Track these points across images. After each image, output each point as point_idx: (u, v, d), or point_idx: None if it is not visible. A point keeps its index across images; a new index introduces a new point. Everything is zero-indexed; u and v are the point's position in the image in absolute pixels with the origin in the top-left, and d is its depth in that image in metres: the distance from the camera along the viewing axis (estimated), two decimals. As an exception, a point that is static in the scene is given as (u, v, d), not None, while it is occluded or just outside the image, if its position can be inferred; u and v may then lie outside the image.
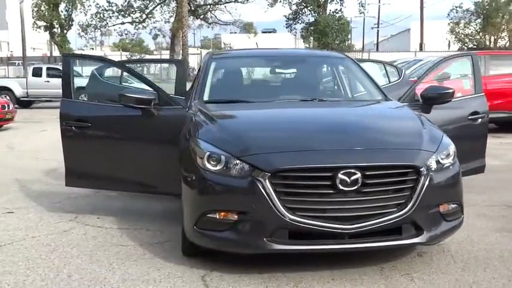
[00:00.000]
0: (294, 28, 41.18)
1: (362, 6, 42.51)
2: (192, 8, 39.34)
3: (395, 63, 9.08)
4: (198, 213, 3.72)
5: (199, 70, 6.01)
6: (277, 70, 5.63)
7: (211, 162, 3.72)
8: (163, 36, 42.09)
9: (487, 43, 34.80)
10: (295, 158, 3.59)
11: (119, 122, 5.08)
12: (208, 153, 3.72)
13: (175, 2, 37.42)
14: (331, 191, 3.52)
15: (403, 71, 6.93)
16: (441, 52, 28.01)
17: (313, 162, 3.55)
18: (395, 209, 3.59)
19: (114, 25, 41.64)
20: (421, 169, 3.63)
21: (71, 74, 5.25)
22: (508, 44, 34.21)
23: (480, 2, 34.89)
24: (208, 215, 3.68)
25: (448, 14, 36.58)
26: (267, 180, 3.50)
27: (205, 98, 4.86)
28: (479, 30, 35.54)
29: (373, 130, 4.10)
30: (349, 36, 44.14)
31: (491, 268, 3.96)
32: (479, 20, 35.28)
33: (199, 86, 5.02)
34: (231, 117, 4.36)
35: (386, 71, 6.73)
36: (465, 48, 35.14)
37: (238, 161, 3.62)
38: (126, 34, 42.95)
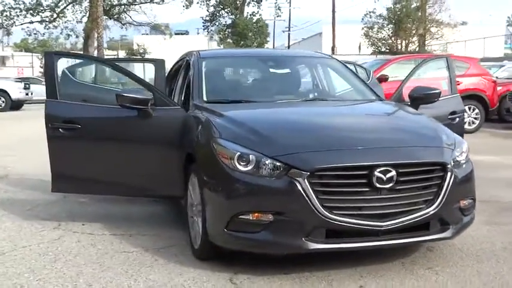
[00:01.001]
0: (211, 30, 41.13)
1: (279, 9, 43.16)
2: (106, 8, 38.33)
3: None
4: (229, 215, 3.64)
5: (175, 70, 5.88)
6: (271, 70, 5.61)
7: (241, 163, 3.64)
8: (77, 37, 40.64)
9: (399, 47, 36.36)
10: (332, 157, 3.60)
11: (113, 123, 4.88)
12: (238, 153, 3.65)
13: (88, 1, 36.28)
14: (366, 189, 3.56)
15: (371, 72, 7.11)
16: (352, 56, 29.04)
17: (351, 161, 3.57)
18: (424, 206, 3.68)
19: (22, 24, 39.88)
20: (448, 166, 3.75)
21: (55, 73, 4.99)
22: (417, 48, 35.91)
23: (392, 8, 36.41)
24: (241, 217, 3.61)
25: (362, 19, 37.92)
26: (305, 180, 3.48)
27: (205, 98, 4.76)
28: (391, 34, 37.07)
29: (396, 129, 4.18)
30: (268, 39, 44.71)
31: (503, 260, 4.13)
32: (391, 25, 36.80)
33: (194, 86, 4.91)
34: (247, 117, 4.28)
35: (356, 71, 6.89)
36: (377, 51, 36.55)
37: (270, 161, 3.57)
38: (35, 34, 41.20)
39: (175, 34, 65.49)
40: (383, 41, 37.11)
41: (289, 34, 59.25)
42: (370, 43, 37.30)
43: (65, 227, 5.12)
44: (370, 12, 37.56)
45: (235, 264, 4.00)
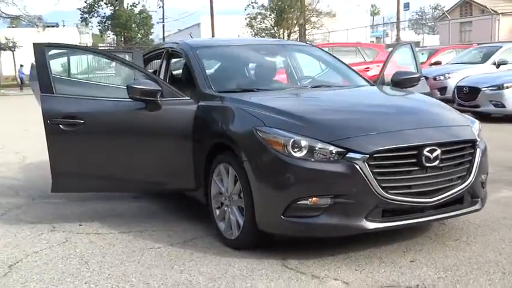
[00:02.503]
0: (90, 22, 39.67)
1: (161, 1, 42.52)
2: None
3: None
4: (287, 202, 3.68)
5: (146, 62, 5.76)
6: (267, 58, 5.64)
7: (295, 149, 3.69)
8: None
9: (281, 37, 37.34)
10: (386, 139, 3.75)
11: (119, 116, 4.69)
12: (292, 139, 3.69)
13: None
14: (416, 168, 3.75)
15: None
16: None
17: (403, 142, 3.74)
18: (459, 181, 3.95)
19: None
20: (477, 142, 4.05)
21: (48, 66, 4.70)
22: (299, 38, 37.09)
23: (274, -2, 37.32)
24: (299, 202, 3.66)
25: (245, 9, 38.46)
26: (365, 162, 3.61)
27: (214, 88, 4.71)
28: (273, 24, 37.96)
29: (426, 110, 4.41)
30: (152, 30, 43.93)
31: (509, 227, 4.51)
32: (273, 15, 37.67)
33: (198, 76, 4.84)
34: (281, 104, 4.30)
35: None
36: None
37: (326, 146, 3.65)
38: None
39: (46, 27, 62.36)
40: (266, 31, 37.88)
41: (163, 25, 58.60)
42: (253, 33, 37.92)
43: (62, 228, 4.84)
44: (252, 2, 38.17)
45: (278, 251, 4.03)
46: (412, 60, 6.42)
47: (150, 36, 40.66)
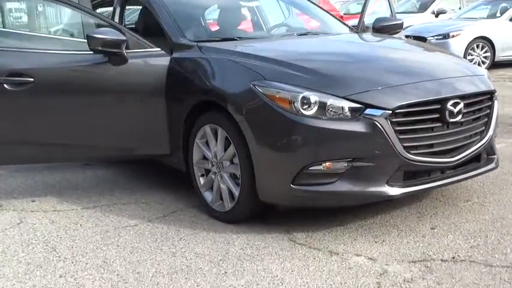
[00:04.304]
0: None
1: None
2: None
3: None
4: (297, 168, 3.15)
5: (115, 8, 4.98)
6: (242, 3, 4.96)
7: (304, 106, 3.14)
8: None
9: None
10: (407, 92, 3.26)
11: (77, 73, 3.96)
12: (302, 95, 3.13)
13: None
14: (438, 124, 3.31)
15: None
16: None
17: (426, 96, 3.28)
18: (478, 137, 3.55)
19: None
20: (495, 94, 3.65)
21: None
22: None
23: None
24: (311, 168, 3.14)
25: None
26: (387, 119, 3.12)
27: (191, 37, 4.04)
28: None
29: (438, 60, 3.95)
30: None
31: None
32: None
33: (167, 24, 4.14)
34: (279, 54, 3.70)
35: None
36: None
37: (340, 101, 3.13)
38: None
39: None
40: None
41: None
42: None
43: (12, 206, 4.12)
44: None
45: (279, 223, 3.54)
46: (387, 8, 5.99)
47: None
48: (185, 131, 3.81)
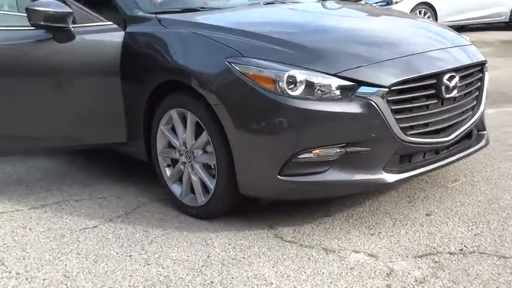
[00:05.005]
0: None
1: None
2: None
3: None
4: (284, 157, 2.77)
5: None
6: None
7: (290, 86, 2.75)
8: None
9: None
10: (401, 67, 2.92)
11: (16, 51, 3.41)
12: (288, 73, 2.74)
13: None
14: (434, 101, 3.00)
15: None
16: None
17: (422, 70, 2.95)
18: (471, 113, 3.28)
19: None
20: (485, 65, 3.37)
21: None
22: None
23: None
24: (300, 156, 2.77)
25: None
26: (383, 98, 2.77)
27: (144, 8, 3.55)
28: None
29: (425, 29, 3.62)
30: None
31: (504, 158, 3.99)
32: None
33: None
34: (255, 26, 3.25)
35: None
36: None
37: (329, 79, 2.76)
38: None
39: None
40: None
41: None
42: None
43: None
44: None
45: (256, 217, 3.17)
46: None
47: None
48: (146, 116, 3.34)
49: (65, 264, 2.76)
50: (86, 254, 2.85)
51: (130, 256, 2.81)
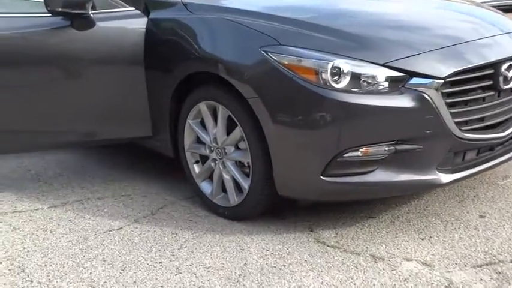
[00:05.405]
0: None
1: None
2: None
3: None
4: (328, 156, 2.52)
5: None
6: None
7: (334, 77, 2.48)
8: None
9: None
10: (458, 57, 2.65)
11: (33, 40, 3.17)
12: (331, 63, 2.47)
13: None
14: (490, 93, 2.73)
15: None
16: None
17: (479, 59, 2.68)
18: None
19: None
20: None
21: None
22: None
23: None
24: (346, 155, 2.52)
25: None
26: (438, 91, 2.50)
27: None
28: None
29: (474, 16, 3.32)
30: None
31: None
32: None
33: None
34: (293, 12, 2.98)
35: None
36: None
37: (378, 69, 2.49)
38: None
39: None
40: None
41: None
42: None
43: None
44: None
45: (294, 219, 2.92)
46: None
47: None
48: (172, 109, 3.10)
49: (90, 273, 2.53)
50: (112, 261, 2.62)
51: (160, 263, 2.58)
